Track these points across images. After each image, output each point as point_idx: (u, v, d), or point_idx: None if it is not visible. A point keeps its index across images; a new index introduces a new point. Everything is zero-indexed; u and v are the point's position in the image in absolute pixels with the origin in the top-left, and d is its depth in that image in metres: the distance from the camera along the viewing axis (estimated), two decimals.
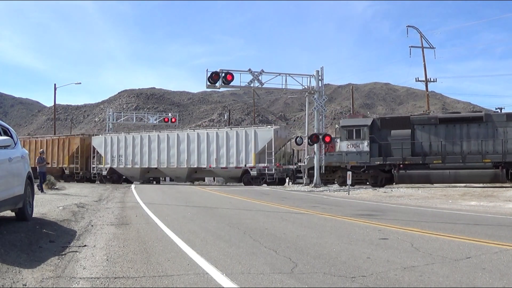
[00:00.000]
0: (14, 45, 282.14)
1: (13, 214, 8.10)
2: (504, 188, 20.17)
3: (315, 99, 25.19)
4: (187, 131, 33.12)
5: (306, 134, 25.88)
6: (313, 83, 25.43)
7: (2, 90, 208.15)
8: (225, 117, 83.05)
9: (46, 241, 6.58)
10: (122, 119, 49.60)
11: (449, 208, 13.01)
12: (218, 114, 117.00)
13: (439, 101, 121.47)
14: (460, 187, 23.28)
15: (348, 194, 19.60)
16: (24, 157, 8.40)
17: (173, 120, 47.13)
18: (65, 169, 35.02)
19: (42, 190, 18.31)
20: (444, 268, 4.77)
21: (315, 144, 24.69)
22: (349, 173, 21.17)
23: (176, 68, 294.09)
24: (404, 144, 23.17)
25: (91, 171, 34.94)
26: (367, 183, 24.47)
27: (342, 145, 24.67)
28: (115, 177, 34.12)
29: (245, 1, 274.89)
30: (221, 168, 30.26)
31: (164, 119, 47.16)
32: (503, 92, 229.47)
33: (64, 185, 25.25)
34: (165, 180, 37.36)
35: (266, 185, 28.41)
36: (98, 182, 33.67)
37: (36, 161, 20.48)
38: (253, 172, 29.13)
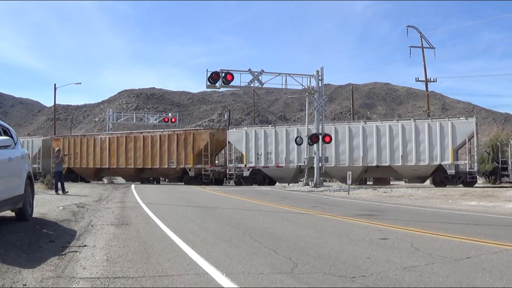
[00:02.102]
0: (14, 45, 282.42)
1: (13, 214, 8.10)
2: (504, 188, 20.18)
3: (315, 99, 25.20)
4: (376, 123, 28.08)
5: (306, 134, 25.87)
6: (313, 83, 25.45)
7: (2, 90, 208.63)
8: (225, 117, 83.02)
9: (46, 241, 6.58)
10: (122, 119, 49.63)
11: (449, 208, 13.01)
12: (218, 114, 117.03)
13: (439, 101, 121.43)
14: (460, 187, 23.29)
15: (348, 194, 19.60)
16: (24, 157, 8.39)
17: (173, 120, 47.18)
18: (189, 170, 31.19)
19: (57, 191, 17.45)
20: (444, 268, 4.77)
21: (315, 144, 24.70)
22: (349, 173, 21.17)
23: (176, 67, 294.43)
24: None
25: (227, 172, 30.67)
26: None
27: None
28: (259, 178, 29.39)
29: (245, 1, 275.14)
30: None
31: (164, 119, 47.19)
32: (503, 92, 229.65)
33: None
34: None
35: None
36: (233, 183, 30.65)
37: (52, 160, 19.59)
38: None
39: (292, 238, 6.86)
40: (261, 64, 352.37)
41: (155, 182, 35.13)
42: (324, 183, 26.79)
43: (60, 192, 17.38)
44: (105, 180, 37.71)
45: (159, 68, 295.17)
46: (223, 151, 35.37)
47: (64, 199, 14.61)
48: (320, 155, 24.96)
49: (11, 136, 7.82)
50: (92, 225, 8.63)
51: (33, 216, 8.68)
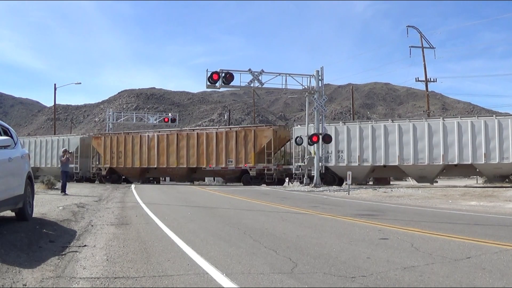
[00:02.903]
0: (14, 45, 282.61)
1: (13, 214, 8.10)
2: (504, 188, 20.17)
3: (315, 99, 25.19)
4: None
5: (306, 134, 25.88)
6: (313, 83, 25.44)
7: (2, 90, 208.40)
8: (225, 117, 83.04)
9: (46, 241, 6.58)
10: (122, 119, 49.59)
11: (449, 208, 13.01)
12: (218, 114, 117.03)
13: (439, 101, 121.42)
14: (460, 187, 23.28)
15: (348, 194, 19.60)
16: (24, 157, 8.40)
17: (173, 120, 47.12)
18: (250, 170, 28.87)
19: (63, 191, 17.29)
20: (444, 268, 4.77)
21: (315, 144, 24.70)
22: (349, 173, 21.16)
23: (176, 67, 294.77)
24: None
25: (293, 171, 28.19)
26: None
27: None
28: (329, 178, 26.86)
29: (245, 1, 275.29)
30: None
31: (164, 119, 47.16)
32: (503, 92, 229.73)
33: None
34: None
35: (265, 185, 28.26)
36: (299, 184, 27.62)
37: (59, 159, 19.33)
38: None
39: (292, 238, 6.86)
40: (261, 64, 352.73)
41: (216, 182, 33.14)
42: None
43: (64, 191, 17.32)
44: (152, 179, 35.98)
45: (159, 68, 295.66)
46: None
47: (64, 199, 14.61)
48: (320, 155, 24.95)
49: (11, 136, 7.82)
50: (92, 225, 8.63)
51: (33, 216, 8.68)
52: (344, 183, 26.46)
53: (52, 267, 5.01)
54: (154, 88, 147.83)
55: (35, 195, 9.46)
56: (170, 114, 49.88)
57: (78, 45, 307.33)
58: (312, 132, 25.06)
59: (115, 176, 34.20)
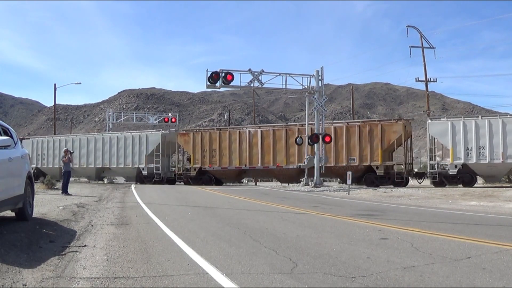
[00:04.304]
0: (13, 45, 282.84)
1: (13, 214, 8.10)
2: (504, 188, 20.17)
3: (315, 99, 25.19)
4: None
5: (306, 134, 25.87)
6: (313, 83, 25.44)
7: (2, 90, 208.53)
8: (225, 117, 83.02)
9: (46, 241, 6.58)
10: (122, 119, 49.60)
11: (449, 208, 13.01)
12: (218, 114, 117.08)
13: (439, 101, 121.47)
14: (460, 187, 23.26)
15: (348, 194, 19.60)
16: (24, 157, 8.39)
17: (173, 120, 47.12)
18: (376, 168, 26.33)
19: (64, 191, 17.19)
20: (444, 268, 4.77)
21: (315, 144, 24.70)
22: (349, 173, 21.17)
23: (175, 67, 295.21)
24: None
25: (428, 170, 25.56)
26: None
27: None
28: (467, 178, 24.48)
29: (245, 0, 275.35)
30: None
31: (164, 119, 47.14)
32: (503, 92, 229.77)
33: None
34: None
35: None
36: (432, 184, 25.45)
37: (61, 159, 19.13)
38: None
39: (292, 238, 6.86)
40: (261, 63, 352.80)
41: (339, 181, 29.43)
42: (324, 183, 26.63)
43: (66, 192, 17.28)
44: (246, 181, 33.89)
45: (159, 68, 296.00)
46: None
47: (64, 199, 14.61)
48: (320, 155, 24.96)
49: (11, 136, 7.82)
50: (92, 225, 8.63)
51: (33, 216, 8.67)
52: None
53: (52, 267, 5.01)
54: (154, 88, 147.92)
55: (35, 195, 9.46)
56: (170, 114, 49.86)
57: (78, 45, 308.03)
58: None
59: (206, 178, 30.44)
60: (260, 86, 24.68)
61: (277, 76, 24.85)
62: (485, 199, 15.33)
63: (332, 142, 26.18)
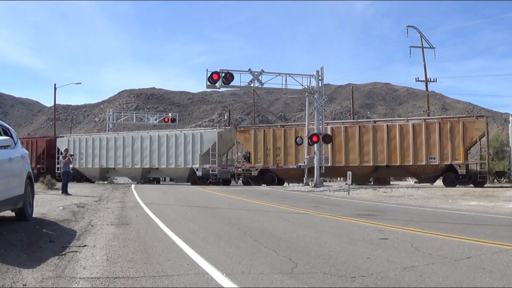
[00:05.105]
0: (13, 45, 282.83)
1: (13, 214, 8.10)
2: (504, 188, 20.16)
3: (315, 99, 25.19)
4: None
5: (306, 134, 25.86)
6: (313, 83, 25.43)
7: (2, 90, 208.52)
8: (225, 117, 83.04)
9: (46, 241, 6.58)
10: (122, 119, 49.60)
11: (449, 208, 13.01)
12: (218, 114, 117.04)
13: (439, 101, 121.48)
14: (460, 187, 23.26)
15: (348, 194, 19.59)
16: (24, 157, 8.39)
17: (173, 120, 47.11)
18: (459, 166, 24.89)
19: (64, 191, 17.18)
20: (444, 268, 4.77)
21: (315, 144, 24.69)
22: (349, 173, 21.16)
23: (176, 67, 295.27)
24: None
25: None
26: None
27: None
28: None
29: (245, 0, 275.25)
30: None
31: (164, 119, 47.14)
32: (503, 92, 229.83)
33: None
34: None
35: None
36: None
37: (60, 159, 18.99)
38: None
39: (292, 238, 6.86)
40: (261, 63, 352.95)
41: (415, 181, 27.83)
42: (324, 183, 26.53)
43: (66, 192, 17.28)
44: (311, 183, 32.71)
45: (159, 67, 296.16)
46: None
47: (64, 199, 14.61)
48: (320, 155, 24.95)
49: (11, 136, 7.82)
50: (92, 225, 8.63)
51: (33, 216, 8.67)
52: None
53: (52, 267, 5.01)
54: (154, 88, 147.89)
55: (35, 195, 9.45)
56: (170, 114, 49.86)
57: (78, 44, 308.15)
58: None
59: (268, 177, 28.75)
60: (260, 86, 24.67)
61: (277, 76, 24.85)
62: (485, 199, 15.33)
63: (410, 139, 25.29)
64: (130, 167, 32.09)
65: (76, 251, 5.95)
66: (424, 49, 39.05)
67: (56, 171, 32.17)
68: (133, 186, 27.19)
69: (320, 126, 25.17)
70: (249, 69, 24.01)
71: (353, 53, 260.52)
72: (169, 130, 36.06)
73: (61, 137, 37.22)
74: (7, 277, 4.43)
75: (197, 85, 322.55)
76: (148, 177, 33.15)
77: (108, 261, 5.27)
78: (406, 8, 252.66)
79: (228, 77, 23.17)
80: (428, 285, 4.12)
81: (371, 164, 26.31)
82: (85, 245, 6.39)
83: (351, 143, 26.75)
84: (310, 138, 24.64)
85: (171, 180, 33.88)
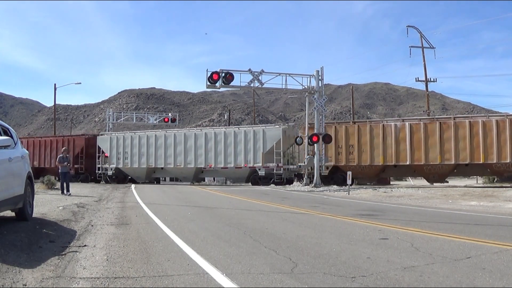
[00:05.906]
0: (13, 45, 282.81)
1: (13, 214, 8.10)
2: (504, 188, 20.16)
3: (315, 99, 25.18)
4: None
5: (306, 134, 25.85)
6: (313, 83, 25.43)
7: (2, 90, 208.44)
8: (225, 117, 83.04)
9: (46, 241, 6.58)
10: (122, 119, 49.57)
11: (449, 208, 13.01)
12: (218, 114, 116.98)
13: (439, 101, 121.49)
14: (460, 186, 23.26)
15: (348, 194, 19.59)
16: (24, 157, 8.40)
17: (173, 120, 47.06)
18: None
19: (63, 192, 17.17)
20: (444, 268, 4.77)
21: (315, 144, 24.69)
22: (349, 173, 21.16)
23: (175, 67, 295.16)
24: None
25: None
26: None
27: None
28: None
29: (245, 0, 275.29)
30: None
31: (164, 119, 47.12)
32: (503, 92, 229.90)
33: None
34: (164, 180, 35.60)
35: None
36: None
37: (57, 160, 18.94)
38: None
39: (292, 238, 6.86)
40: (261, 63, 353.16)
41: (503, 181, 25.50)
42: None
43: (65, 192, 17.25)
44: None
45: (159, 67, 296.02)
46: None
47: (64, 199, 14.61)
48: (320, 155, 24.94)
49: (11, 136, 7.82)
50: (92, 225, 8.63)
51: (33, 216, 8.67)
52: None
53: (52, 267, 5.01)
54: (154, 88, 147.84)
55: (35, 195, 9.46)
56: (170, 114, 49.82)
57: (77, 44, 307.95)
58: None
59: (338, 176, 26.41)
60: (260, 86, 24.67)
61: (277, 76, 24.84)
62: (485, 199, 15.33)
63: (467, 137, 23.89)
64: (182, 166, 30.42)
65: (76, 251, 5.95)
66: (424, 49, 39.08)
67: (97, 171, 31.21)
68: (133, 186, 27.17)
69: (320, 126, 25.15)
70: (249, 69, 24.02)
71: (353, 53, 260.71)
72: (226, 127, 34.29)
73: (101, 135, 35.17)
74: (7, 277, 4.43)
75: (197, 85, 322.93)
76: (200, 177, 31.83)
77: (108, 261, 5.27)
78: (406, 8, 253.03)
79: (228, 77, 23.17)
80: (428, 285, 4.12)
81: (452, 162, 24.43)
82: (85, 245, 6.40)
83: (431, 140, 24.83)
84: (310, 138, 24.63)
85: (227, 180, 32.47)
